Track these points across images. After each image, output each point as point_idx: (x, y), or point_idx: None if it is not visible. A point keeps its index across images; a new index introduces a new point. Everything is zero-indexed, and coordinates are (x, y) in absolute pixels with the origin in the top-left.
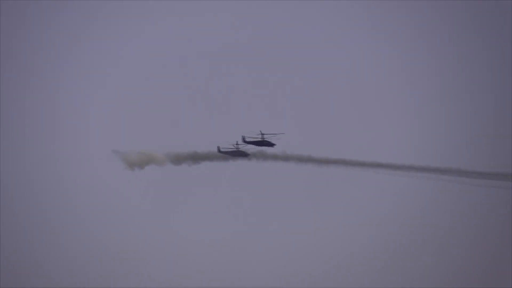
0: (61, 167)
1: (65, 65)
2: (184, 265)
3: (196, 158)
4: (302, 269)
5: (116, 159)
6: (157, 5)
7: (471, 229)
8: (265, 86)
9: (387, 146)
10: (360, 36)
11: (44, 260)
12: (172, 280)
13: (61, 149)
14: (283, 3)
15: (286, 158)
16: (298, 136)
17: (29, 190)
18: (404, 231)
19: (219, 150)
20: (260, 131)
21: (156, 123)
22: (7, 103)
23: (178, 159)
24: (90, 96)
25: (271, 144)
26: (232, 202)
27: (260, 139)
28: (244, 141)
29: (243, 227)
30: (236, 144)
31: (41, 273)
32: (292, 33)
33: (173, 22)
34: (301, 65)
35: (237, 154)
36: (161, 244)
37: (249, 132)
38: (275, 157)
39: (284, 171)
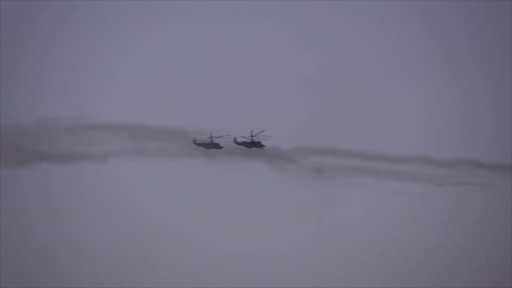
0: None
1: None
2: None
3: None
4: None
5: None
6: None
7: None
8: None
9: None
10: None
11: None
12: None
13: None
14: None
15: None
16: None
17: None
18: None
19: (194, 142)
20: (251, 132)
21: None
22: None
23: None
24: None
25: (261, 146)
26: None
27: (250, 141)
28: (236, 143)
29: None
30: (211, 137)
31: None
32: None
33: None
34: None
35: (211, 146)
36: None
37: (241, 132)
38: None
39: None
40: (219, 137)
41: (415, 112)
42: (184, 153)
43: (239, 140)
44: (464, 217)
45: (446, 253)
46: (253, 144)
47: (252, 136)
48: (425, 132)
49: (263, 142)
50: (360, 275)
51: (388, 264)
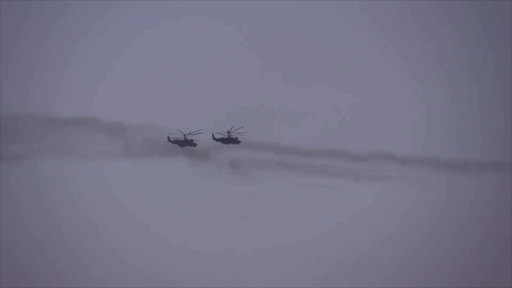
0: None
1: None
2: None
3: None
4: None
5: None
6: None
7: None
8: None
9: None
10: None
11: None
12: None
13: None
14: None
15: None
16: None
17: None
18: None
19: (168, 139)
20: (228, 130)
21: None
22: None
23: None
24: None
25: (237, 142)
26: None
27: (227, 137)
28: (214, 139)
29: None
30: (184, 135)
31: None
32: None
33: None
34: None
35: (186, 144)
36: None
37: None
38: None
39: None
40: (189, 133)
41: (331, 105)
42: (107, 152)
43: (217, 136)
44: (382, 211)
45: (366, 248)
46: (230, 140)
47: (228, 132)
48: (340, 125)
49: (239, 138)
50: (275, 273)
51: (303, 260)
